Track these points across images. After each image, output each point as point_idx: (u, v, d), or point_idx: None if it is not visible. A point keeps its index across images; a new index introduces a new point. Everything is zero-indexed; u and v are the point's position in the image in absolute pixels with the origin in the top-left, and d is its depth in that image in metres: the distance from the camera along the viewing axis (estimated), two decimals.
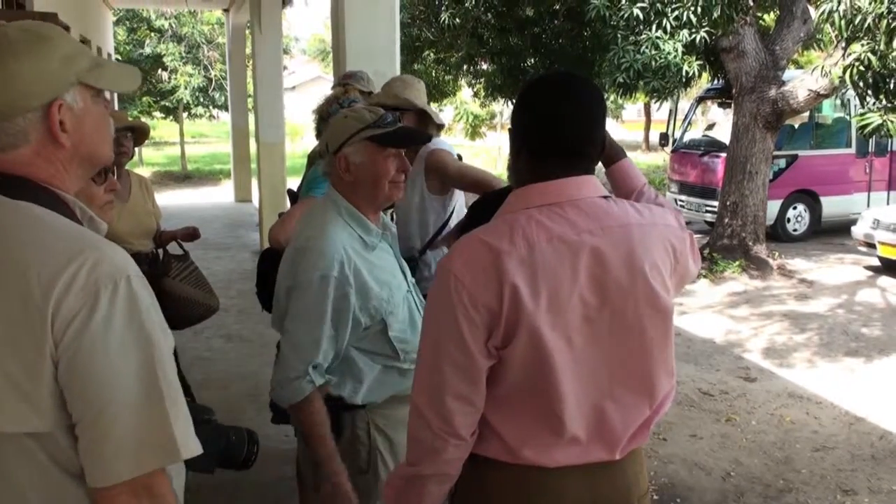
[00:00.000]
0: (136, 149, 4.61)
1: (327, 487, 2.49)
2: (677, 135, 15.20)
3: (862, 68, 8.68)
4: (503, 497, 1.91)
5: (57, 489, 1.46)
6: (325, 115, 3.77)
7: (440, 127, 4.00)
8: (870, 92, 9.10)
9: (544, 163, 1.86)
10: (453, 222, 3.89)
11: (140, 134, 4.55)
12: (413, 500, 1.95)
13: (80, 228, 1.54)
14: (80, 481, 1.45)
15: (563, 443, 1.84)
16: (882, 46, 8.39)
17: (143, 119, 25.18)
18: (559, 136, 1.86)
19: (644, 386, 1.88)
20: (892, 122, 8.76)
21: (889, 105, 8.99)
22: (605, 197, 1.88)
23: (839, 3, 8.26)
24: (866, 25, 8.16)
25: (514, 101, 2.04)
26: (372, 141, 2.52)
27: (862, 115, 9.36)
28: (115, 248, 1.50)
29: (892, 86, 8.94)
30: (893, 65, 8.68)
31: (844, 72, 8.86)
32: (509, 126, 1.99)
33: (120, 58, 23.56)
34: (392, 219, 4.07)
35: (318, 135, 3.85)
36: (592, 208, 1.83)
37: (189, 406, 1.54)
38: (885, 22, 8.03)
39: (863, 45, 8.59)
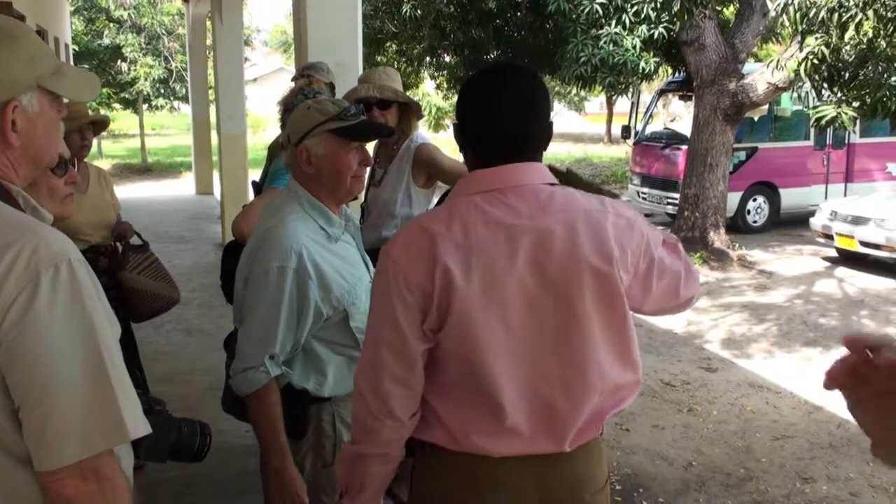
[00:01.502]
0: (95, 141, 4.55)
1: (276, 481, 2.48)
2: (639, 127, 15.30)
3: (816, 61, 8.79)
4: (449, 484, 1.93)
5: (0, 473, 1.44)
6: (289, 107, 3.75)
7: (419, 118, 4.01)
8: (825, 85, 9.21)
9: (485, 150, 1.90)
10: None
11: (100, 125, 4.51)
12: (357, 479, 1.98)
13: (21, 215, 1.53)
14: (25, 465, 1.43)
15: (505, 431, 1.84)
16: (835, 40, 8.50)
17: (102, 110, 24.89)
18: (492, 132, 1.89)
19: (593, 376, 1.85)
20: (846, 113, 8.88)
21: (843, 97, 9.11)
22: (552, 184, 1.88)
23: None
24: (820, 19, 8.26)
25: None
26: (335, 134, 2.50)
27: (816, 107, 9.48)
28: (56, 233, 1.49)
29: (846, 77, 9.06)
30: (847, 58, 8.79)
31: (799, 65, 8.96)
32: (454, 119, 2.01)
33: (77, 48, 23.24)
34: (363, 212, 4.07)
35: (283, 126, 3.83)
36: (535, 194, 1.84)
37: (140, 397, 1.53)
38: (836, 15, 8.13)
39: (817, 39, 8.69)
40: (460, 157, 2.12)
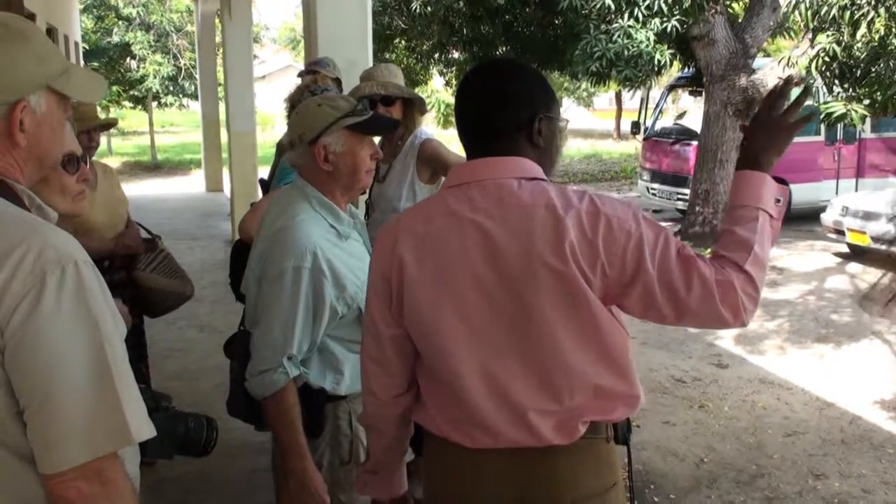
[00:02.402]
0: (105, 139, 4.54)
1: (296, 481, 2.48)
2: (648, 123, 15.25)
3: (827, 59, 8.75)
4: (433, 468, 2.01)
5: (5, 473, 1.44)
6: (296, 104, 3.75)
7: (423, 112, 4.00)
8: (836, 81, 9.17)
9: (465, 143, 1.94)
10: None
11: (107, 126, 4.52)
12: (367, 443, 2.24)
13: (27, 215, 1.52)
14: (31, 464, 1.43)
15: (474, 421, 1.85)
16: (847, 37, 8.46)
17: (112, 108, 24.94)
18: (463, 120, 1.93)
19: (556, 375, 1.80)
20: (855, 111, 8.84)
21: (853, 94, 9.07)
22: (531, 179, 1.84)
23: None
24: (832, 16, 8.22)
25: None
26: (351, 129, 2.50)
27: (826, 104, 9.43)
28: (62, 234, 1.49)
29: (857, 75, 9.01)
30: (858, 55, 8.75)
31: (811, 62, 8.92)
32: None
33: (87, 46, 23.29)
34: (368, 208, 4.06)
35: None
36: (496, 189, 1.82)
37: (145, 393, 1.52)
38: (848, 13, 8.09)
39: (828, 36, 8.65)
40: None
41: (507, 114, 1.87)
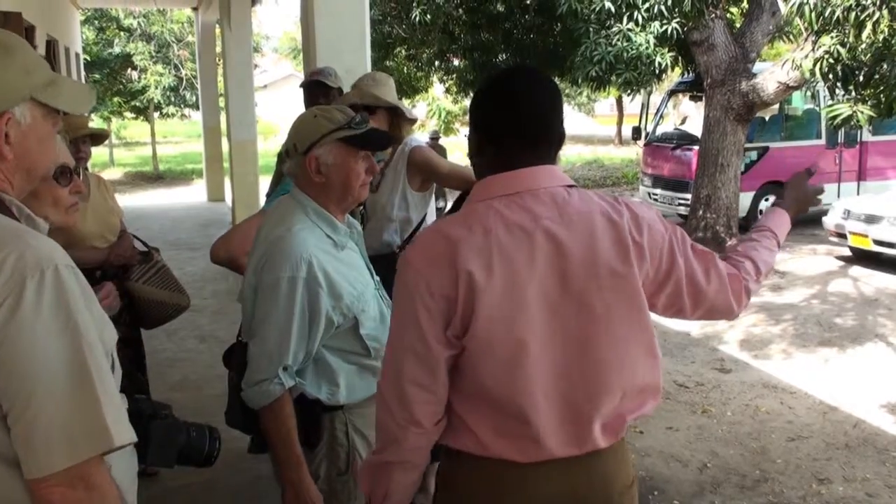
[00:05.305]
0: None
1: (292, 492, 2.47)
2: (650, 128, 15.26)
3: (832, 61, 8.73)
4: (477, 491, 1.90)
5: None
6: None
7: (412, 122, 3.98)
8: (839, 84, 9.15)
9: (507, 152, 1.86)
10: (430, 218, 3.88)
11: (98, 137, 4.51)
12: (382, 487, 1.97)
13: (12, 223, 1.53)
14: (15, 469, 1.43)
15: (531, 437, 1.82)
16: (851, 39, 8.44)
17: (114, 119, 25.01)
18: (517, 135, 1.86)
19: (616, 377, 1.84)
20: (861, 112, 8.82)
21: (858, 96, 9.05)
22: (570, 186, 1.87)
23: None
24: (836, 18, 8.21)
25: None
26: (345, 142, 2.48)
27: (830, 106, 9.41)
28: (45, 239, 1.50)
29: (861, 78, 9.00)
30: (862, 57, 8.73)
31: (815, 64, 8.91)
32: (469, 120, 1.98)
33: (88, 58, 23.34)
34: (363, 218, 4.06)
35: None
36: (552, 197, 1.83)
37: (145, 402, 1.52)
38: (853, 14, 8.07)
39: (832, 38, 8.64)
40: (466, 161, 2.10)
41: (558, 125, 1.90)
